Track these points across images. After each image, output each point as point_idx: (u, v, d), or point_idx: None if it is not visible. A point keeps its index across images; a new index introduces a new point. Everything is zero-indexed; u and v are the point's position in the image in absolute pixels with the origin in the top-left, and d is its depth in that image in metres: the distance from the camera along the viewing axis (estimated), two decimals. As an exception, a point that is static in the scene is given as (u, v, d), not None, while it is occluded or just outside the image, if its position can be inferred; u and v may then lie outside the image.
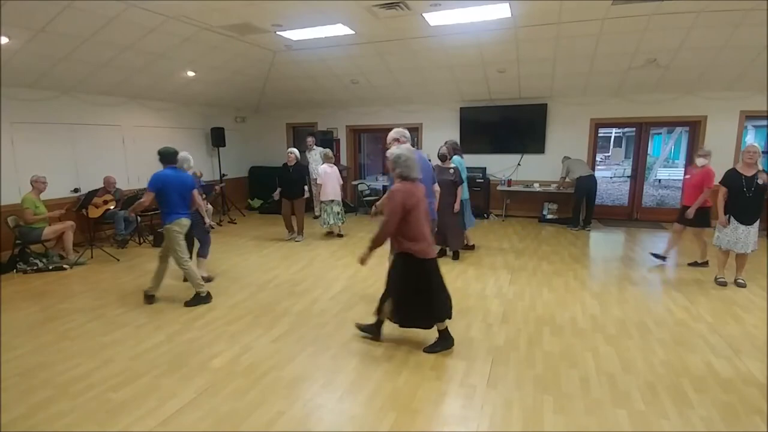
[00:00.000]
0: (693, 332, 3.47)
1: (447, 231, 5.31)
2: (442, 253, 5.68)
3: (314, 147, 8.11)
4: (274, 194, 6.52)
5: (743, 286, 4.47)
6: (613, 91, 7.52)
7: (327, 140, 8.96)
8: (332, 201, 6.62)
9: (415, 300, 3.06)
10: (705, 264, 5.14)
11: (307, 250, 6.15)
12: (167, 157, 4.12)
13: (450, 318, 3.18)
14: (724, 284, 4.51)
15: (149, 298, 4.22)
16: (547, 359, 3.06)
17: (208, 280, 4.66)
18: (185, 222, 4.13)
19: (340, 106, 9.45)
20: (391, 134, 3.72)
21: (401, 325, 3.24)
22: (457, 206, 5.24)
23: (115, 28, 5.04)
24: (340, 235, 6.93)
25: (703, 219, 4.95)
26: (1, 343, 3.35)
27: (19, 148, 5.82)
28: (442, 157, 5.28)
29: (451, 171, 5.24)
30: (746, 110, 7.03)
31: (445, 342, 3.17)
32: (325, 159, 6.88)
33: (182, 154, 4.30)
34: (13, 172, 5.70)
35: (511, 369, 2.94)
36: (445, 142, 5.49)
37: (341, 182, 6.83)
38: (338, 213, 6.72)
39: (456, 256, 5.53)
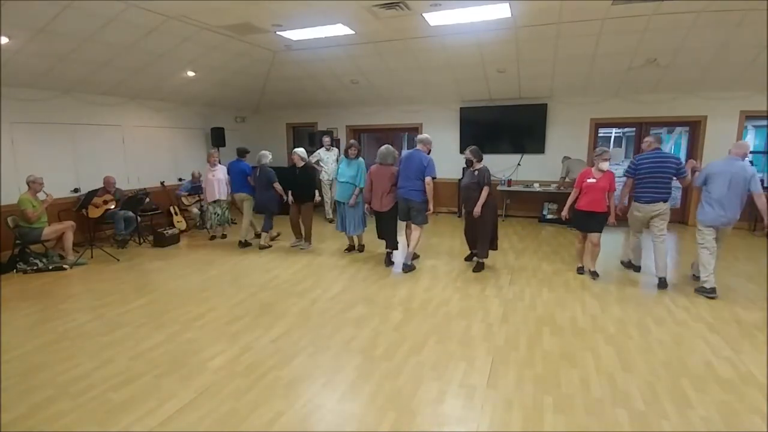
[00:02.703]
0: (693, 332, 3.47)
1: (475, 235, 5.13)
2: (469, 257, 5.45)
3: (332, 147, 8.02)
4: (289, 199, 5.99)
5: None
6: (613, 91, 7.51)
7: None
8: (216, 202, 6.56)
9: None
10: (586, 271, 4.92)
11: (307, 250, 6.15)
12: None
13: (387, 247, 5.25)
14: None
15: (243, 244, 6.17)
16: (547, 359, 3.06)
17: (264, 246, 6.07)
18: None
19: (340, 106, 9.45)
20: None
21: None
22: (477, 210, 4.84)
23: (115, 28, 5.04)
24: (223, 236, 6.88)
25: (603, 224, 4.68)
26: (1, 343, 3.35)
27: (19, 148, 5.82)
28: (468, 162, 5.06)
29: (476, 173, 4.98)
30: (746, 110, 7.02)
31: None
32: (209, 158, 6.61)
33: (260, 153, 6.05)
34: (13, 172, 5.70)
35: (511, 369, 2.94)
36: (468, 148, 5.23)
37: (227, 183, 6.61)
38: (220, 215, 6.68)
39: (478, 268, 5.06)
